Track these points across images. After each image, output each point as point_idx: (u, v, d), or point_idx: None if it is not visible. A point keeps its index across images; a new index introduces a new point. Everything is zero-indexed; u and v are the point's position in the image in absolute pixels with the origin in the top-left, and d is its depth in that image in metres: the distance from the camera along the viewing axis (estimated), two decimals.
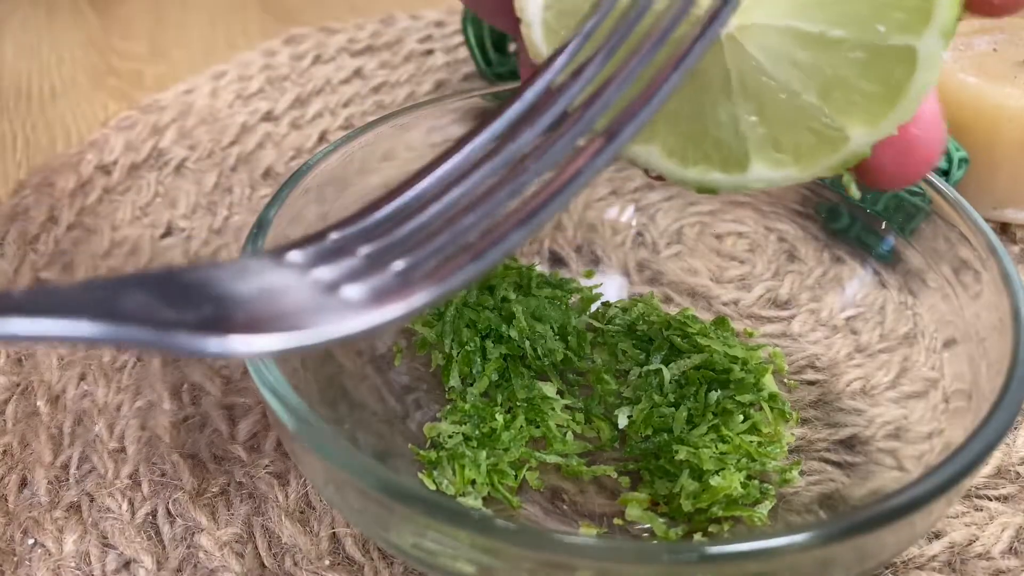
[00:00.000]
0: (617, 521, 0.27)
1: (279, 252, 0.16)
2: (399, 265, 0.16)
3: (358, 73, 0.48)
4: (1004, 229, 0.37)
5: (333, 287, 0.16)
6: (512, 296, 0.31)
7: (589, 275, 0.35)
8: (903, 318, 0.30)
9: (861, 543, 0.20)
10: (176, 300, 0.14)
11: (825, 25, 0.18)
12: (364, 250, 0.17)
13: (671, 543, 0.25)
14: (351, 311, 0.15)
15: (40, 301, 0.14)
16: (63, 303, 0.14)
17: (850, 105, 0.19)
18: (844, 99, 0.19)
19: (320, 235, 0.17)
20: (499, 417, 0.28)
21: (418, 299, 0.16)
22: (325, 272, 0.16)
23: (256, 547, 0.27)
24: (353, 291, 0.16)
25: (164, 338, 0.14)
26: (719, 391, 0.29)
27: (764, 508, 0.26)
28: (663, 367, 0.30)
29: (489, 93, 0.32)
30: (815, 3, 0.18)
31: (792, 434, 0.29)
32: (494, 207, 0.17)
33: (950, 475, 0.20)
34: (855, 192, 0.21)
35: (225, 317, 0.14)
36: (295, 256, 0.16)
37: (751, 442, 0.27)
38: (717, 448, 0.27)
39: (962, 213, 0.27)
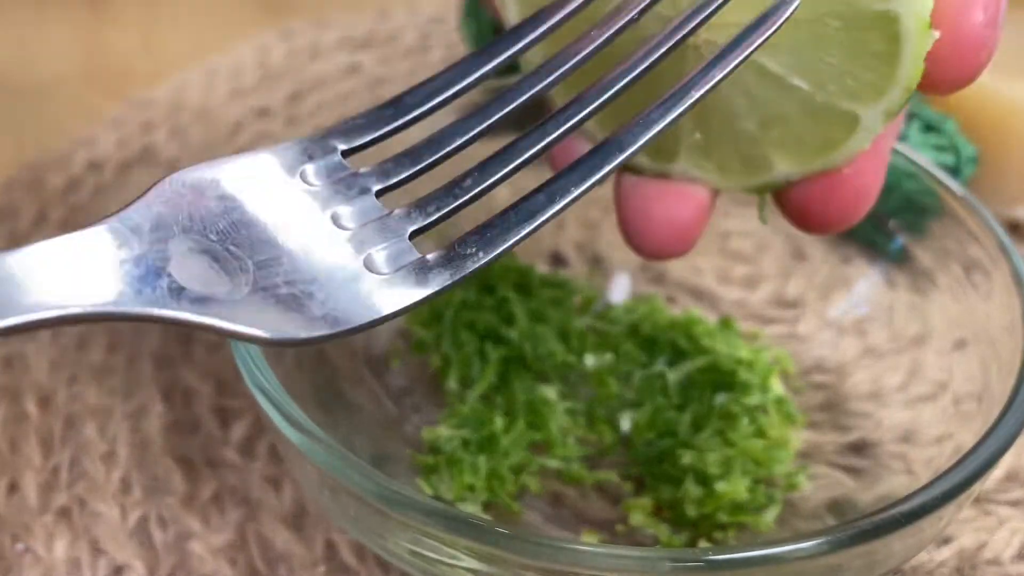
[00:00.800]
0: (620, 527, 0.27)
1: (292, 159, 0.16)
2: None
3: (355, 69, 0.47)
4: (1015, 227, 0.37)
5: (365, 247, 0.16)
6: (512, 296, 0.31)
7: (591, 275, 0.34)
8: (912, 319, 0.29)
9: (869, 550, 0.20)
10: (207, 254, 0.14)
11: (787, 70, 0.19)
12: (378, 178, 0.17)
13: (675, 549, 0.25)
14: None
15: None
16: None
17: (783, 142, 0.20)
18: (779, 136, 0.20)
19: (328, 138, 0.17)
20: (498, 421, 0.28)
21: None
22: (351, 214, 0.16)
23: (249, 553, 0.26)
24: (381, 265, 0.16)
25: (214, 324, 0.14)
26: (724, 394, 0.29)
27: (770, 514, 0.26)
28: (667, 369, 0.30)
29: (487, 88, 0.31)
30: (787, 47, 0.19)
31: (799, 438, 0.29)
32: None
33: (960, 480, 0.20)
34: (763, 218, 0.22)
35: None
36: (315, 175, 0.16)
37: (757, 446, 0.27)
38: (722, 452, 0.27)
39: (972, 211, 0.27)
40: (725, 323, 0.32)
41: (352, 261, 0.16)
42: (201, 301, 0.14)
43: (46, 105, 0.45)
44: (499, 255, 0.17)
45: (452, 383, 0.30)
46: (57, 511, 0.27)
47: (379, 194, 0.17)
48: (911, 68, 0.18)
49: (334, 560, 0.26)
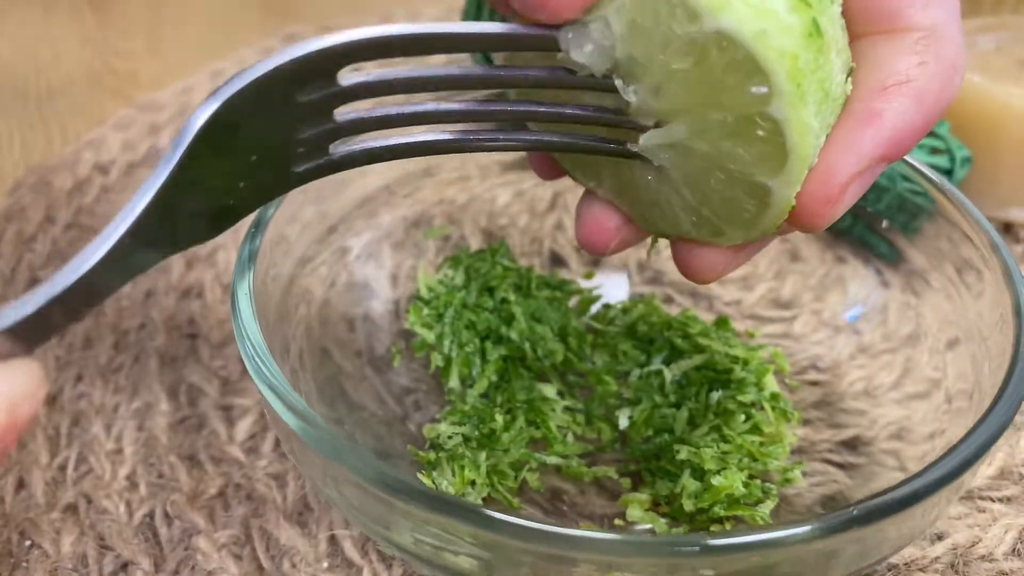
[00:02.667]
0: (618, 522, 0.27)
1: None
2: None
3: (357, 72, 0.47)
4: (1007, 228, 0.37)
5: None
6: (512, 297, 0.31)
7: (589, 276, 0.34)
8: (906, 318, 0.30)
9: (862, 535, 0.20)
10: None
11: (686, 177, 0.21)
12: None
13: (673, 535, 0.25)
14: None
15: None
16: None
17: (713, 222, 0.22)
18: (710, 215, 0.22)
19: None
20: (499, 418, 0.28)
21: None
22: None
23: (254, 549, 0.27)
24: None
25: None
26: (720, 391, 0.29)
27: (766, 508, 0.26)
28: (664, 368, 0.30)
29: (489, 92, 0.32)
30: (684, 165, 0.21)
31: (794, 435, 0.29)
32: None
33: (950, 469, 0.20)
34: (652, 253, 0.25)
35: None
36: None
37: (753, 442, 0.27)
38: (719, 448, 0.27)
39: (965, 212, 0.27)
40: (721, 322, 0.32)
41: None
42: None
43: (53, 108, 0.45)
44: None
45: (453, 382, 0.30)
46: (64, 508, 0.28)
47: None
48: (772, 220, 0.21)
49: (337, 555, 0.26)
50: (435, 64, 0.22)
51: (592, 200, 0.24)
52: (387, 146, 0.21)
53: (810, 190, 0.20)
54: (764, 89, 0.18)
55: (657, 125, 0.21)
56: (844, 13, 0.20)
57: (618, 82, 0.20)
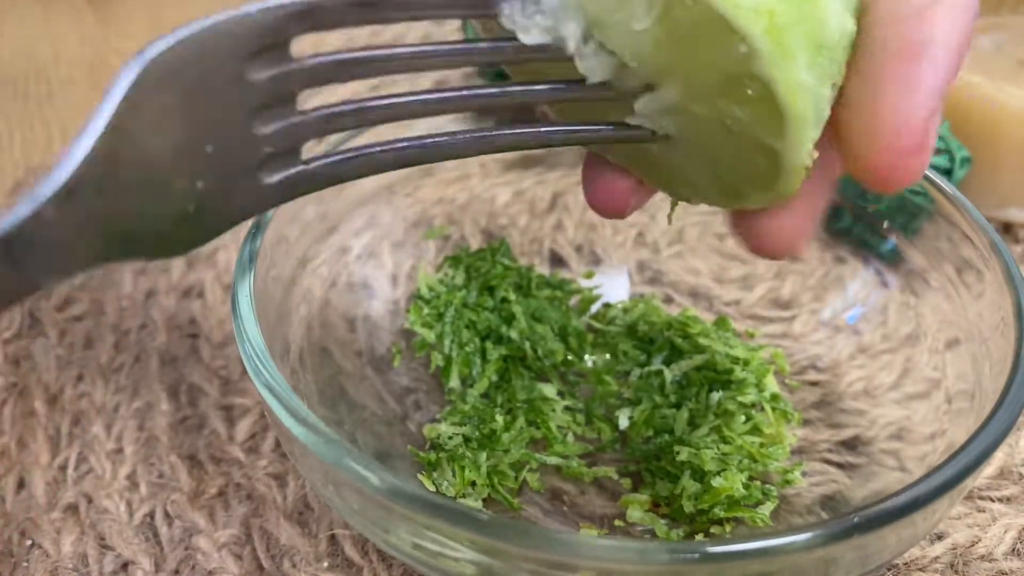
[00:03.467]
0: (618, 523, 0.27)
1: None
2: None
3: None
4: (1007, 228, 0.37)
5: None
6: (512, 297, 0.31)
7: (589, 276, 0.34)
8: (905, 318, 0.30)
9: (863, 543, 0.20)
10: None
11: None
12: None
13: (673, 542, 0.25)
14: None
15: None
16: None
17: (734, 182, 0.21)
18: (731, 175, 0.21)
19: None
20: (499, 418, 0.28)
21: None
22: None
23: (254, 549, 0.27)
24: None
25: None
26: (720, 392, 0.29)
27: (766, 509, 0.26)
28: (664, 368, 0.30)
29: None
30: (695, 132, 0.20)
31: (794, 435, 0.29)
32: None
33: (952, 475, 0.20)
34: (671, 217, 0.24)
35: None
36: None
37: (753, 443, 0.27)
38: (719, 449, 0.27)
39: (964, 212, 0.27)
40: (721, 322, 0.32)
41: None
42: None
43: (53, 107, 0.45)
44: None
45: (453, 382, 0.30)
46: (64, 507, 0.28)
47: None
48: (789, 182, 0.19)
49: (338, 555, 0.26)
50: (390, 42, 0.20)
51: (599, 163, 0.22)
52: (370, 154, 0.19)
53: (885, 145, 0.18)
54: (743, 48, 0.17)
55: (648, 90, 0.19)
56: None
57: (580, 50, 0.19)
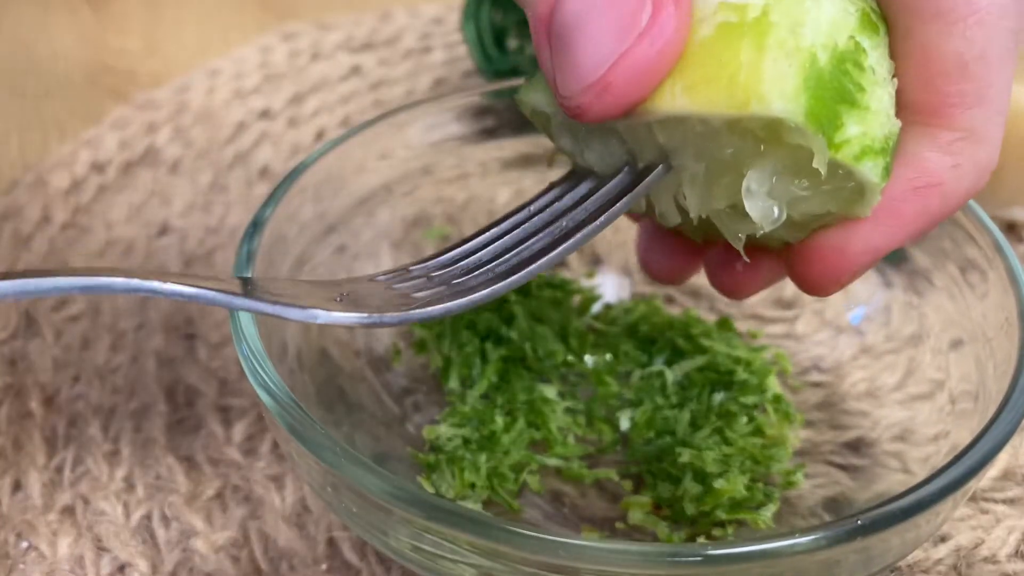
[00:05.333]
0: (619, 525, 0.27)
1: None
2: (454, 280, 0.22)
3: (356, 70, 0.47)
4: (1011, 228, 0.37)
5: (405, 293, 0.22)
6: (512, 297, 0.31)
7: (590, 275, 0.34)
8: (909, 319, 0.29)
9: (866, 545, 0.20)
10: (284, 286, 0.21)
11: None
12: (431, 274, 0.23)
13: (674, 544, 0.25)
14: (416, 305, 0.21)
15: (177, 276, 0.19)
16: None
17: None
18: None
19: (402, 267, 0.23)
20: (499, 419, 0.28)
21: (482, 294, 0.21)
22: (405, 285, 0.22)
23: (252, 551, 0.26)
24: (419, 295, 0.22)
25: (282, 309, 0.20)
26: (723, 393, 0.29)
27: (768, 511, 0.26)
28: (665, 369, 0.30)
29: (488, 91, 0.31)
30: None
31: (797, 436, 0.29)
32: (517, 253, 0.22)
33: (956, 477, 0.20)
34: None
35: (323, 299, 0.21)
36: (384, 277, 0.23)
37: (755, 445, 0.27)
38: (721, 451, 0.27)
39: (968, 212, 0.27)
40: (723, 323, 0.32)
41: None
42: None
43: (50, 107, 0.45)
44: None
45: (453, 382, 0.30)
46: (61, 509, 0.28)
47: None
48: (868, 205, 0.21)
49: (336, 558, 0.26)
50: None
51: (655, 235, 0.24)
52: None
53: (821, 267, 0.21)
54: (796, 139, 0.19)
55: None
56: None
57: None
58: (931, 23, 0.19)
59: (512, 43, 0.44)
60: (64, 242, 0.37)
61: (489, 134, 0.32)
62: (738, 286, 0.25)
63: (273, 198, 0.26)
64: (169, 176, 0.40)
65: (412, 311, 0.21)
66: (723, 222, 0.22)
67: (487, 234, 0.23)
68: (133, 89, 0.46)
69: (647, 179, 0.21)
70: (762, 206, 0.20)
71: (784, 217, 0.20)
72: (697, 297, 0.34)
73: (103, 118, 0.43)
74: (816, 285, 0.21)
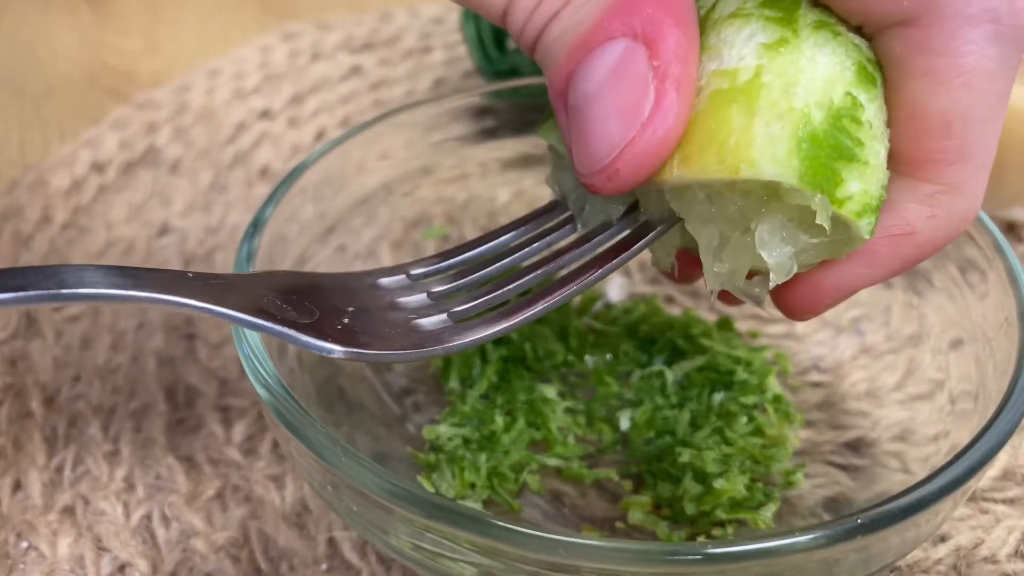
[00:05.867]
0: (619, 525, 0.27)
1: (372, 275, 0.23)
2: (455, 309, 0.22)
3: (356, 70, 0.47)
4: (1011, 228, 0.37)
5: (414, 315, 0.22)
6: (512, 297, 0.31)
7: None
8: (909, 319, 0.29)
9: (866, 544, 0.20)
10: (296, 304, 0.21)
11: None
12: (439, 287, 0.23)
13: (674, 543, 0.25)
14: (430, 339, 0.21)
15: (200, 286, 0.20)
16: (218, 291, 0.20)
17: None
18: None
19: (403, 267, 0.24)
20: (499, 419, 0.28)
21: (486, 333, 0.22)
22: (409, 302, 0.23)
23: (252, 551, 0.26)
24: (429, 323, 0.22)
25: (297, 336, 0.20)
26: (722, 393, 0.29)
27: (768, 511, 0.26)
28: (665, 369, 0.30)
29: (488, 91, 0.31)
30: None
31: (797, 436, 0.29)
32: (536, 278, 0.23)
33: (955, 476, 0.20)
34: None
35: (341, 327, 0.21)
36: (386, 283, 0.23)
37: (755, 444, 0.27)
38: (721, 451, 0.27)
39: None
40: (723, 323, 0.32)
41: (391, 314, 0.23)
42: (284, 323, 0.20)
43: (50, 107, 0.45)
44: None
45: (453, 382, 0.30)
46: (61, 509, 0.28)
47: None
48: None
49: (336, 558, 0.26)
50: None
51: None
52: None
53: (796, 299, 0.22)
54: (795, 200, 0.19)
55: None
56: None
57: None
58: (919, 80, 0.19)
59: (512, 43, 0.44)
60: (64, 242, 0.37)
61: (489, 134, 0.32)
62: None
63: (273, 198, 0.26)
64: (169, 176, 0.40)
65: (418, 350, 0.21)
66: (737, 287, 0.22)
67: (486, 247, 0.23)
68: (133, 89, 0.46)
69: (654, 232, 0.22)
70: (778, 255, 0.20)
71: (795, 269, 0.20)
72: (697, 297, 0.34)
73: (103, 118, 0.43)
74: (791, 313, 0.23)
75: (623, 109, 0.19)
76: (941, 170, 0.20)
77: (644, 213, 0.22)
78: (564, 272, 0.22)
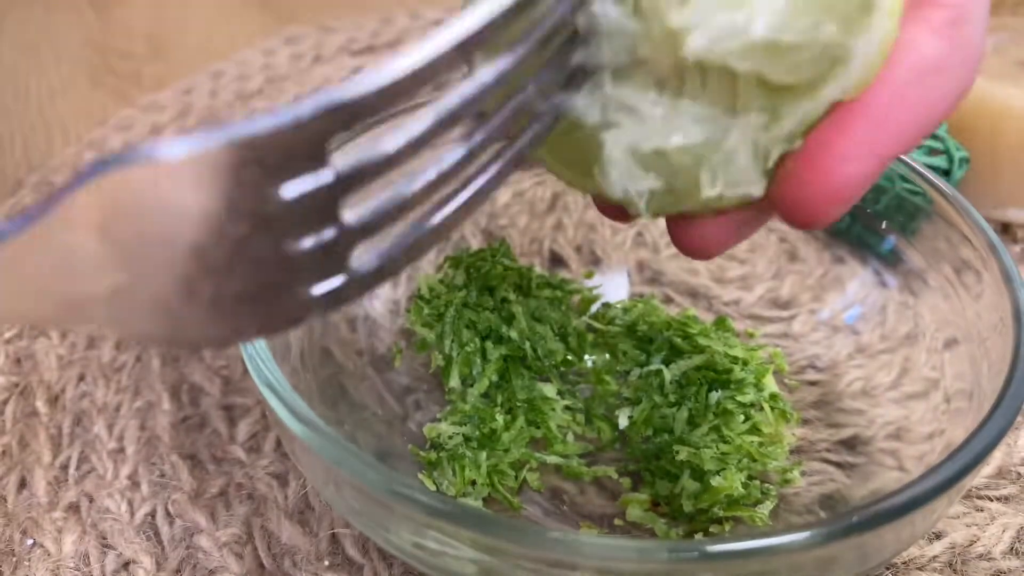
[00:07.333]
0: (618, 522, 0.27)
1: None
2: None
3: (358, 73, 0.47)
4: (1005, 229, 0.37)
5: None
6: (512, 297, 0.31)
7: (589, 275, 0.34)
8: (904, 318, 0.30)
9: (862, 542, 0.20)
10: None
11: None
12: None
13: (672, 541, 0.25)
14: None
15: None
16: None
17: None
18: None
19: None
20: (499, 418, 0.28)
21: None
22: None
23: (255, 548, 0.27)
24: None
25: None
26: (720, 391, 0.29)
27: (765, 508, 0.26)
28: (664, 367, 0.30)
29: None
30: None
31: (793, 434, 0.29)
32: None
33: (950, 474, 0.20)
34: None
35: None
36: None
37: (752, 442, 0.27)
38: (718, 448, 0.27)
39: (963, 213, 0.27)
40: (720, 322, 0.32)
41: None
42: None
43: (54, 109, 0.45)
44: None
45: (454, 381, 0.30)
46: (66, 507, 0.28)
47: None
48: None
49: (339, 554, 0.27)
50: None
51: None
52: (408, 245, 0.16)
53: (812, 187, 0.18)
54: None
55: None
56: None
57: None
58: None
59: None
60: None
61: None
62: (704, 243, 0.21)
63: None
64: None
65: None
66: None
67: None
68: (137, 91, 0.46)
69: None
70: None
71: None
72: (695, 297, 0.34)
73: (107, 119, 0.44)
74: (814, 207, 0.18)
75: None
76: None
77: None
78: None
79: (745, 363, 0.29)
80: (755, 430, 0.28)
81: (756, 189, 0.19)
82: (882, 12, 0.17)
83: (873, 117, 0.18)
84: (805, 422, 0.29)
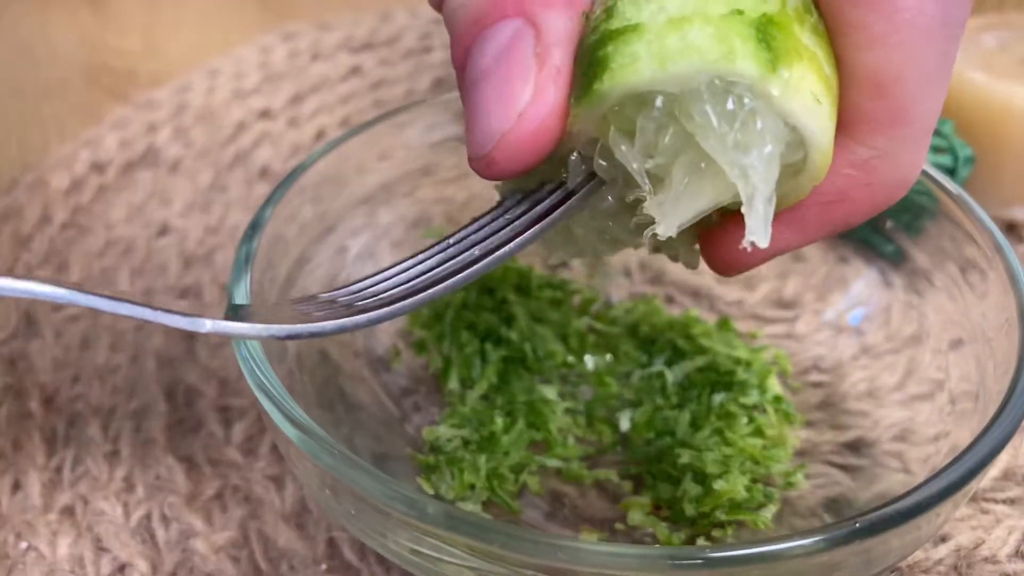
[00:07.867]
0: (619, 526, 0.27)
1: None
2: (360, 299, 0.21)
3: (356, 70, 0.47)
4: (1011, 228, 0.37)
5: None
6: (512, 297, 0.31)
7: (590, 276, 0.34)
8: (909, 318, 0.29)
9: (866, 547, 0.20)
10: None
11: None
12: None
13: (674, 547, 0.25)
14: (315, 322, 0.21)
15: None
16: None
17: None
18: None
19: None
20: (499, 420, 0.28)
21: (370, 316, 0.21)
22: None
23: (252, 551, 0.26)
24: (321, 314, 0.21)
25: (161, 316, 0.20)
26: (722, 393, 0.29)
27: (768, 512, 0.26)
28: (666, 369, 0.30)
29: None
30: None
31: (797, 437, 0.29)
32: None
33: (956, 478, 0.20)
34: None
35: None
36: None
37: (755, 445, 0.27)
38: (721, 451, 0.27)
39: (968, 212, 0.27)
40: (723, 323, 0.32)
41: None
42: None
43: (50, 107, 0.45)
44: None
45: (453, 383, 0.30)
46: (60, 509, 0.28)
47: None
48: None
49: (335, 558, 0.26)
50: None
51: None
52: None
53: (725, 255, 0.22)
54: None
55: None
56: None
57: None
58: (852, 35, 0.18)
59: None
60: (64, 242, 0.37)
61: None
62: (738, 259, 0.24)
63: (273, 198, 0.26)
64: (169, 176, 0.40)
65: (304, 325, 0.21)
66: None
67: (409, 261, 0.22)
68: (133, 89, 0.46)
69: (583, 191, 0.21)
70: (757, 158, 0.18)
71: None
72: (697, 297, 0.34)
73: (103, 118, 0.43)
74: (719, 269, 0.22)
75: (503, 97, 0.18)
76: (875, 133, 0.19)
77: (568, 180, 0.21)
78: (488, 246, 0.21)
79: (748, 364, 0.29)
80: (758, 432, 0.28)
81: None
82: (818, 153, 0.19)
83: (777, 226, 0.20)
84: (809, 424, 0.29)
